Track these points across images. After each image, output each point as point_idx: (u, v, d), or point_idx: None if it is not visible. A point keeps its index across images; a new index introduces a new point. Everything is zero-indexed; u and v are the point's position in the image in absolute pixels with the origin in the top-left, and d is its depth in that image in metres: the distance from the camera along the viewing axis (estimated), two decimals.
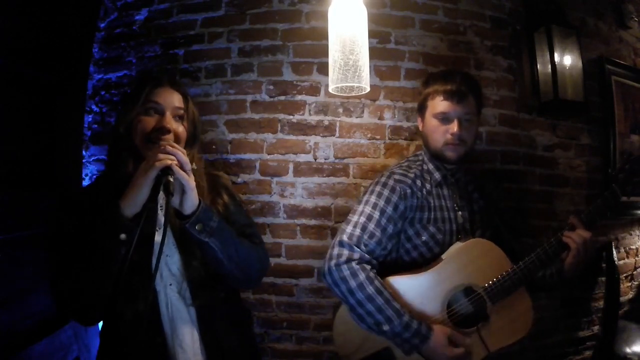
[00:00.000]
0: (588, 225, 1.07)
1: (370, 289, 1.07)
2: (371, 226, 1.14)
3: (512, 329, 1.13)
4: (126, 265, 0.75)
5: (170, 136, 0.95)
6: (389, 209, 1.16)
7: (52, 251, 0.90)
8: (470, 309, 1.13)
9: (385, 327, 1.06)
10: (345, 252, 1.11)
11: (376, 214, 1.15)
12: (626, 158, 1.11)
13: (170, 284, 0.94)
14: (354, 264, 1.09)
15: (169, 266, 0.95)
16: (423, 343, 1.05)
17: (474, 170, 1.53)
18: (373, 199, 1.18)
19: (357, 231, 1.14)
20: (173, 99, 0.98)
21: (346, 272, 1.08)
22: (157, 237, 0.93)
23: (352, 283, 1.07)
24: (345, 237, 1.13)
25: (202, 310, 0.95)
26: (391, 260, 1.22)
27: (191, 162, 0.94)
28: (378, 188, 1.20)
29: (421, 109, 1.26)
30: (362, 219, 1.15)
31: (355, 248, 1.12)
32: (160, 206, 0.97)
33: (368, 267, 1.11)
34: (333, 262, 1.10)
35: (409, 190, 1.19)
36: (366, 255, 1.12)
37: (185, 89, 1.06)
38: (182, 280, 0.94)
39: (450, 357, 1.05)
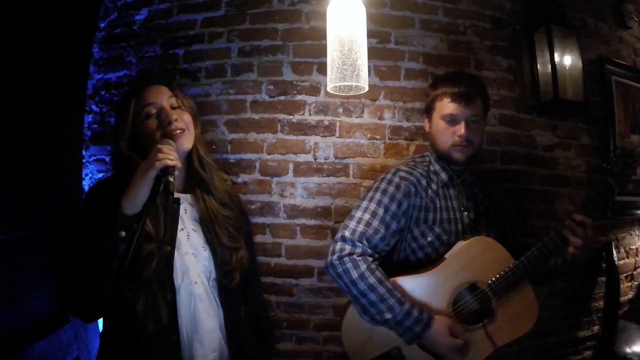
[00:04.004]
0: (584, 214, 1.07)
1: (371, 279, 1.09)
2: (375, 223, 1.16)
3: (518, 322, 1.14)
4: (127, 263, 0.75)
5: (179, 123, 0.96)
6: (393, 206, 1.18)
7: (56, 247, 0.91)
8: (476, 305, 1.14)
9: (388, 316, 1.07)
10: (348, 247, 1.13)
11: (380, 211, 1.17)
12: (619, 152, 1.12)
13: (195, 282, 0.95)
14: (355, 256, 1.11)
15: (196, 264, 0.97)
16: (424, 330, 1.07)
17: (479, 171, 1.54)
18: (378, 195, 1.20)
19: (361, 227, 1.15)
20: (162, 93, 1.00)
21: (348, 264, 1.10)
22: (180, 236, 0.96)
23: (354, 274, 1.09)
24: (347, 233, 1.15)
25: (228, 309, 1.00)
26: (398, 261, 1.23)
27: (197, 144, 1.03)
28: (383, 185, 1.21)
29: (428, 111, 1.26)
30: (367, 216, 1.17)
31: (357, 243, 1.13)
32: (185, 210, 1.00)
33: (370, 259, 1.13)
34: (336, 256, 1.13)
35: (413, 189, 1.20)
36: (368, 249, 1.14)
37: (167, 80, 1.07)
38: (211, 278, 0.98)
39: (449, 346, 1.07)
